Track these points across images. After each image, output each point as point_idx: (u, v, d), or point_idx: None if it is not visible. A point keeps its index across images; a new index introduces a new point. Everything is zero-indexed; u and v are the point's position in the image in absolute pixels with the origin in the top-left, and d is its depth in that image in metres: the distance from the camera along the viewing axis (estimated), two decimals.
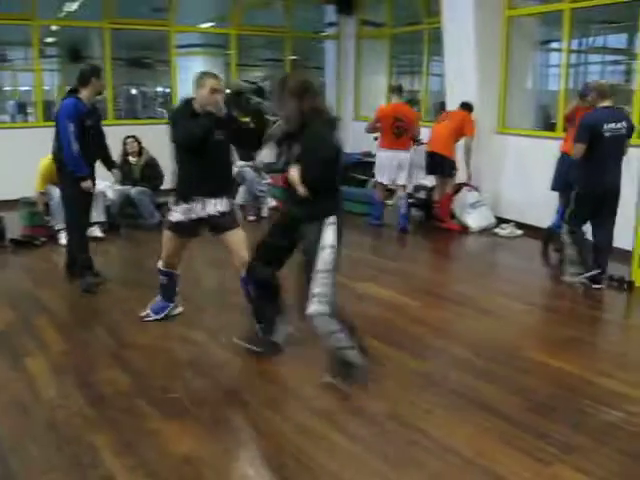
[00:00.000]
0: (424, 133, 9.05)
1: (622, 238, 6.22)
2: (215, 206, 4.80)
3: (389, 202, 9.35)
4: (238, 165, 9.07)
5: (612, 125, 5.98)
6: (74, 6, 11.96)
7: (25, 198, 8.03)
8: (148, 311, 5.27)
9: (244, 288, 4.83)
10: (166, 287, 5.23)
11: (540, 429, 3.62)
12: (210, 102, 4.56)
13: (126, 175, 8.55)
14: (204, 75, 4.70)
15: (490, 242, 8.41)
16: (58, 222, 7.45)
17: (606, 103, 6.07)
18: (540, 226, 7.82)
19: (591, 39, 14.26)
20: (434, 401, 3.97)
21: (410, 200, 9.37)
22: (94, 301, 5.92)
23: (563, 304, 6.05)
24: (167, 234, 4.99)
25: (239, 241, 4.86)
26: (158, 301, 5.28)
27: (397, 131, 8.62)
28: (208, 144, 4.61)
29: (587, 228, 6.31)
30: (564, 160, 6.89)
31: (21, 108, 14.24)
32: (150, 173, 8.61)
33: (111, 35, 10.71)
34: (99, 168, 6.30)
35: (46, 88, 10.86)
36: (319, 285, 3.98)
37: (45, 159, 7.06)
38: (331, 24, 12.96)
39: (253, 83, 4.55)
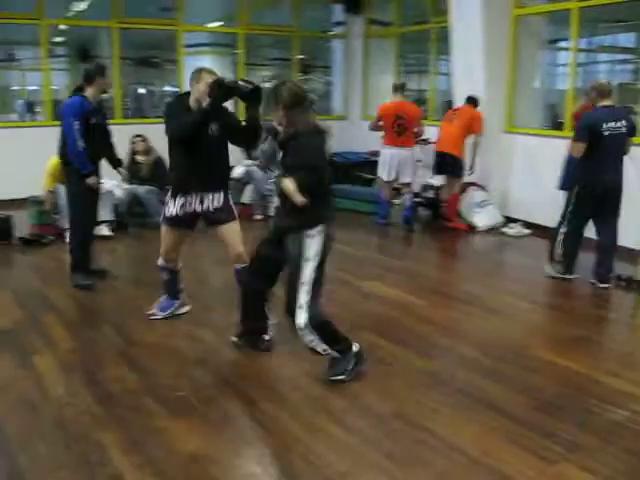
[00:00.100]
0: (432, 132, 9.06)
1: (630, 237, 6.22)
2: (210, 201, 4.86)
3: (396, 201, 9.36)
4: (245, 164, 9.10)
5: (612, 124, 6.00)
6: (82, 6, 11.99)
7: (33, 197, 8.06)
8: (154, 310, 5.30)
9: (238, 280, 4.90)
10: (168, 283, 5.26)
11: (546, 428, 3.62)
12: (206, 97, 4.58)
13: (134, 174, 8.59)
14: (201, 70, 4.77)
15: (497, 241, 8.40)
16: (66, 221, 7.48)
17: (606, 102, 6.10)
18: (548, 225, 7.80)
19: (599, 38, 14.22)
20: (440, 400, 3.98)
21: (417, 199, 9.38)
22: (102, 299, 5.95)
23: (570, 303, 6.04)
24: (164, 228, 5.04)
25: (234, 235, 4.94)
26: (163, 299, 5.31)
27: (398, 129, 8.66)
28: (203, 139, 4.64)
29: (589, 228, 6.34)
30: (572, 159, 6.88)
31: (30, 107, 14.31)
32: (158, 172, 8.61)
33: (119, 34, 10.75)
34: (106, 167, 6.35)
35: (55, 88, 10.87)
36: (304, 296, 4.02)
37: (53, 158, 7.08)
38: (339, 23, 12.97)
39: (250, 83, 4.53)
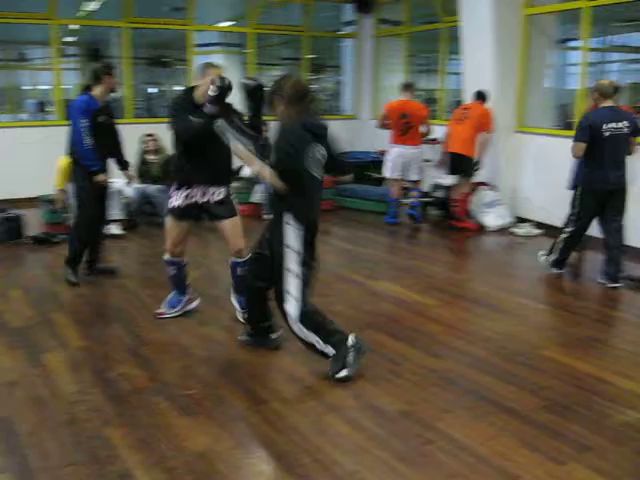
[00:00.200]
0: (442, 131, 9.05)
1: None
2: (214, 194, 4.95)
3: (405, 200, 9.35)
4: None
5: (612, 125, 6.04)
6: (94, 5, 12.04)
7: (44, 196, 8.10)
8: (163, 309, 5.31)
9: (233, 273, 5.11)
10: (175, 278, 5.28)
11: (556, 429, 3.61)
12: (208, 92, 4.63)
13: (144, 173, 8.63)
14: (208, 65, 4.86)
15: (507, 241, 8.38)
16: None
17: (608, 103, 6.13)
18: (558, 226, 7.76)
19: (610, 37, 14.16)
20: (450, 400, 3.98)
21: (428, 199, 9.39)
22: (112, 298, 5.98)
23: (580, 303, 6.02)
24: (169, 221, 5.08)
25: (235, 230, 5.04)
26: (171, 296, 5.34)
27: (403, 127, 8.72)
28: (208, 134, 4.66)
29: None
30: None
31: (41, 107, 14.38)
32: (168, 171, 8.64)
33: (130, 34, 10.79)
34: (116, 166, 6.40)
35: (65, 87, 10.91)
36: (290, 284, 4.15)
37: (65, 157, 7.12)
38: (349, 23, 12.98)
39: (254, 80, 4.57)
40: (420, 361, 4.52)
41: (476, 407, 3.87)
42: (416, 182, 9.09)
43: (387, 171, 9.09)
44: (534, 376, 4.31)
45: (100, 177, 6.01)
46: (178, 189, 4.95)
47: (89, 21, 12.70)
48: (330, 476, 3.17)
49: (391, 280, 6.49)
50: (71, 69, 16.11)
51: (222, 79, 4.60)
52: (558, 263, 6.57)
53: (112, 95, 6.38)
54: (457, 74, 10.38)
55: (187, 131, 4.67)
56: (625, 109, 6.61)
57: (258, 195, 9.30)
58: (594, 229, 6.45)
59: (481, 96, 8.62)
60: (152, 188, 8.54)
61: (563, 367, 4.48)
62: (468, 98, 9.07)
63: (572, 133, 6.21)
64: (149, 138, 8.80)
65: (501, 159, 8.99)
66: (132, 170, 6.60)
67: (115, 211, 7.75)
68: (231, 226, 5.04)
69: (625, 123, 6.07)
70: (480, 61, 9.01)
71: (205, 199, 4.96)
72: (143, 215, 8.59)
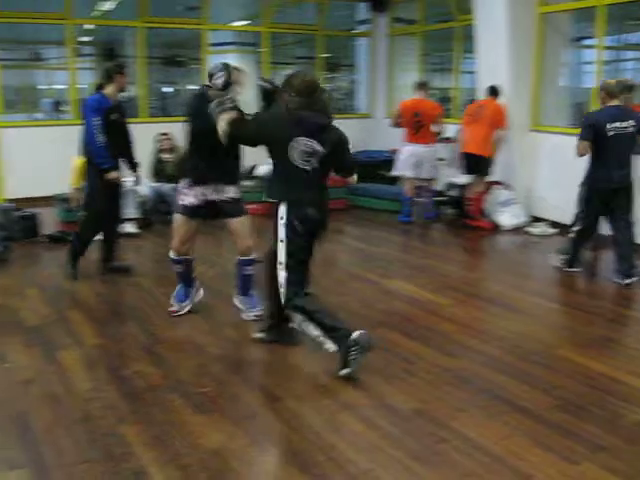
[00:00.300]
0: (455, 130, 9.02)
1: None
2: (224, 192, 5.00)
3: (419, 199, 9.34)
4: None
5: (617, 124, 6.06)
6: (109, 5, 12.09)
7: (60, 194, 8.15)
8: (175, 306, 5.35)
9: (239, 272, 5.17)
10: (183, 274, 5.32)
11: (570, 428, 3.60)
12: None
13: (159, 172, 8.67)
14: (226, 65, 4.89)
15: (522, 241, 8.35)
16: None
17: (614, 102, 6.15)
18: None
19: (625, 35, 14.07)
20: (464, 399, 3.97)
21: (442, 198, 9.37)
22: (127, 296, 6.02)
23: (595, 303, 5.99)
24: (179, 219, 5.10)
25: (244, 228, 5.10)
26: (179, 290, 5.37)
27: (416, 126, 8.76)
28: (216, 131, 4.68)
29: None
30: None
31: (56, 106, 14.45)
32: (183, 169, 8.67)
33: (145, 34, 10.83)
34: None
35: (81, 86, 10.96)
36: (281, 276, 4.33)
37: (79, 157, 7.16)
38: (363, 22, 12.96)
39: (270, 83, 4.63)
40: (434, 360, 4.52)
41: (490, 406, 3.86)
42: (429, 181, 9.09)
43: (397, 169, 9.13)
44: (548, 375, 4.30)
45: (112, 174, 6.06)
46: (191, 187, 4.97)
47: (104, 21, 12.75)
48: (344, 474, 3.17)
49: (405, 279, 6.49)
50: (86, 69, 16.17)
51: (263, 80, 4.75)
52: (571, 262, 6.55)
53: (125, 94, 6.44)
54: (471, 73, 10.34)
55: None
56: (637, 109, 6.58)
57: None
58: (607, 228, 6.44)
59: (494, 91, 8.58)
60: (167, 187, 8.56)
61: (577, 366, 4.46)
62: (482, 96, 9.05)
63: None
64: (164, 137, 8.83)
65: (516, 158, 8.95)
66: (140, 171, 6.61)
67: (130, 210, 7.79)
68: (240, 225, 5.08)
69: (631, 122, 6.08)
70: (495, 60, 8.97)
71: (217, 197, 4.99)
72: (158, 214, 8.62)
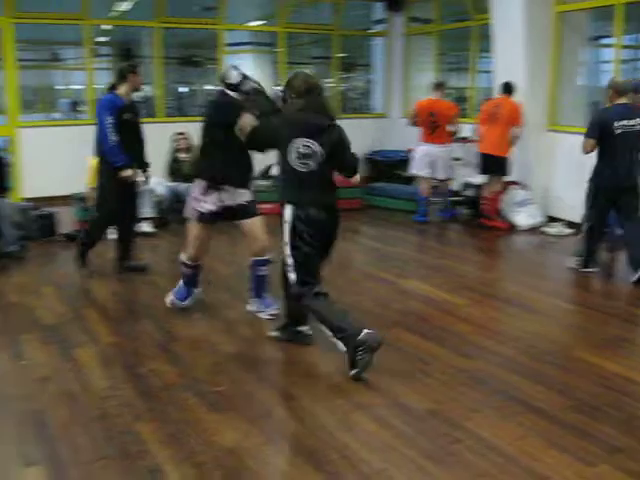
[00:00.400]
0: (472, 130, 9.00)
1: None
2: (241, 195, 5.02)
3: (435, 199, 9.32)
4: None
5: (624, 122, 6.07)
6: (126, 6, 12.15)
7: (77, 194, 8.20)
8: (172, 300, 5.41)
9: (253, 273, 5.19)
10: (191, 276, 5.36)
11: (585, 429, 3.58)
12: None
13: (176, 171, 8.71)
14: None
15: (538, 241, 8.31)
16: None
17: (622, 100, 6.16)
18: None
19: None
20: (478, 399, 3.96)
21: (458, 198, 9.35)
22: (142, 294, 6.06)
23: (610, 303, 5.96)
24: (196, 227, 5.10)
25: (258, 229, 5.11)
26: (181, 287, 5.41)
27: (431, 126, 8.79)
28: (237, 138, 4.70)
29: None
30: None
31: (73, 106, 14.54)
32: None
33: (162, 34, 10.88)
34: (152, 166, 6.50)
35: (98, 87, 11.02)
36: (291, 277, 4.38)
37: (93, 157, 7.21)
38: (379, 21, 12.95)
39: (283, 91, 4.67)
40: (449, 360, 4.51)
41: (504, 407, 3.85)
42: (445, 181, 9.09)
43: (412, 168, 9.19)
44: (563, 376, 4.28)
45: (126, 172, 6.09)
46: (207, 193, 4.93)
47: (121, 21, 12.82)
48: (357, 473, 3.17)
49: (420, 279, 6.48)
50: (103, 69, 16.27)
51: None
52: (586, 262, 6.52)
53: (140, 94, 6.48)
54: (488, 72, 10.30)
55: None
56: None
57: None
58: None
59: (508, 88, 8.53)
60: (183, 186, 8.58)
61: (593, 367, 4.43)
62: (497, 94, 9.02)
63: None
64: (180, 136, 8.87)
65: (532, 158, 8.92)
66: (150, 170, 6.62)
67: (146, 209, 7.84)
68: (254, 225, 5.09)
69: (638, 120, 6.10)
70: (511, 59, 8.94)
71: (235, 201, 4.99)
72: (174, 213, 8.64)
